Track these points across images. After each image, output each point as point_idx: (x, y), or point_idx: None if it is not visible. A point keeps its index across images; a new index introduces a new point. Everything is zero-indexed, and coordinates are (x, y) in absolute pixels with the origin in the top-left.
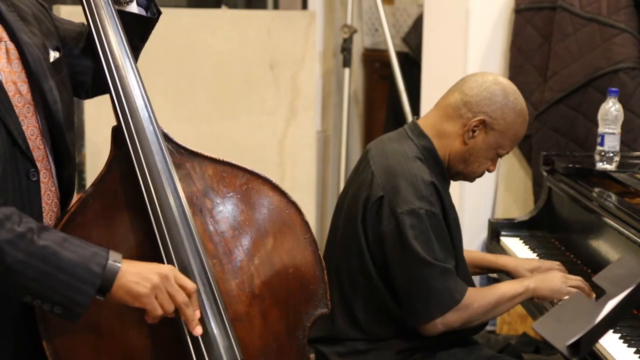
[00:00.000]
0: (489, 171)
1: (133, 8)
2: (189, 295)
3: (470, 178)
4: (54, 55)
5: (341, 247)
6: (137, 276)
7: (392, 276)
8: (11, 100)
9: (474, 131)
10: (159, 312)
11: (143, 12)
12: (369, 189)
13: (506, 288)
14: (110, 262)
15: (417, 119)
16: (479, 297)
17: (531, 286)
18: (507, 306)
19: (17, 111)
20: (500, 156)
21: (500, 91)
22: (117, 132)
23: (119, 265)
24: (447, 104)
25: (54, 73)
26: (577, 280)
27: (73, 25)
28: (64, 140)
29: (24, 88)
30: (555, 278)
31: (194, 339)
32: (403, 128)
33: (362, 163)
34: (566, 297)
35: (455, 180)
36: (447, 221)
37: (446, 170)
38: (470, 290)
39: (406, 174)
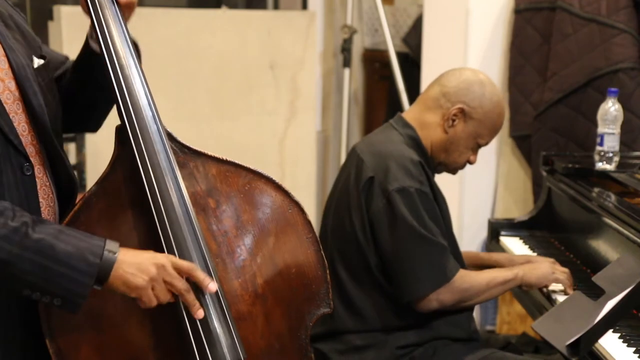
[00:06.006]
0: (470, 162)
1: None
2: (188, 274)
3: (452, 169)
4: (38, 62)
5: (334, 237)
6: (134, 267)
7: (384, 253)
8: (0, 97)
9: (453, 120)
10: (154, 303)
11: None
12: (358, 173)
13: (497, 273)
14: (106, 252)
15: (401, 112)
16: (471, 278)
17: (520, 274)
18: (497, 290)
19: (7, 107)
20: (480, 146)
21: (477, 82)
22: (120, 131)
23: (116, 255)
24: (427, 96)
25: (39, 79)
26: (564, 272)
27: (57, 53)
28: (54, 143)
29: (12, 85)
30: (543, 266)
31: (197, 338)
32: (388, 122)
33: (349, 160)
34: (552, 285)
35: (438, 172)
36: (436, 201)
37: (430, 159)
38: (462, 271)
39: (395, 155)
